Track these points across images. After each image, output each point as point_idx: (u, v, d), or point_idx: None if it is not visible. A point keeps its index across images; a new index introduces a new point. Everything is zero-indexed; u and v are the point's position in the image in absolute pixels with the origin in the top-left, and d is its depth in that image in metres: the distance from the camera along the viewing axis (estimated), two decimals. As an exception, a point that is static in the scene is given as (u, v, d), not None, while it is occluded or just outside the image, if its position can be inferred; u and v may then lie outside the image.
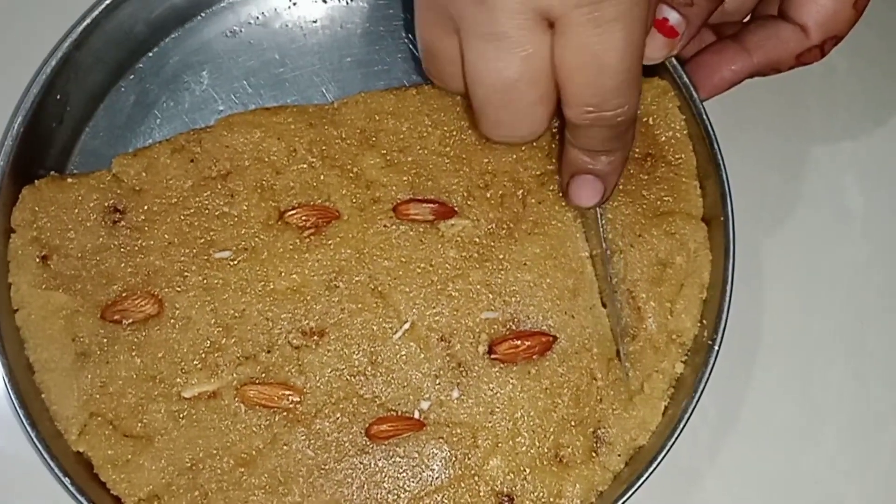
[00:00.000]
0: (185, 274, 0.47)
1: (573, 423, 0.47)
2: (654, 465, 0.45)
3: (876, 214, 0.57)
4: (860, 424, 0.54)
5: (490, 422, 0.46)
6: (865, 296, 0.56)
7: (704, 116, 0.49)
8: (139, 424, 0.46)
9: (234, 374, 0.46)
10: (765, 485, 0.53)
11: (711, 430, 0.53)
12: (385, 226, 0.48)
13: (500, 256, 0.48)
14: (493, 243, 0.48)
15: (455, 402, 0.47)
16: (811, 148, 0.56)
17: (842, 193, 0.57)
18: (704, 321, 0.48)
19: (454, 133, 0.49)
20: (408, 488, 0.46)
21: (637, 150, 0.50)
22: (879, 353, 0.55)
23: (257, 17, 0.54)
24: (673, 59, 0.48)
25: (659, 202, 0.49)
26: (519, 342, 0.47)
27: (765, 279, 0.55)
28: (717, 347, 0.46)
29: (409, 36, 0.54)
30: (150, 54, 0.53)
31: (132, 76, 0.53)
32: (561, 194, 0.48)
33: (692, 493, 0.53)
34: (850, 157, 0.57)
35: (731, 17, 0.50)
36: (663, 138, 0.50)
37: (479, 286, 0.47)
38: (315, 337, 0.47)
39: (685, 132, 0.50)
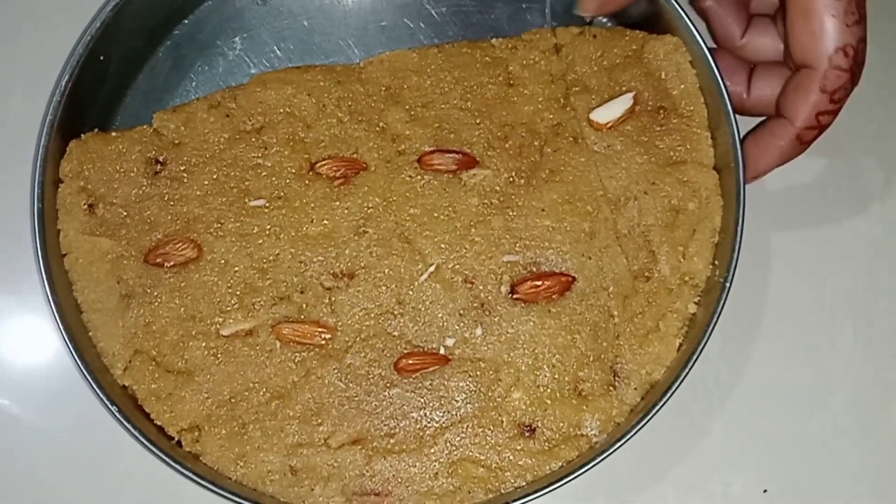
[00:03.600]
0: (222, 221, 0.50)
1: (592, 359, 0.50)
2: (667, 396, 0.48)
3: (893, 192, 0.58)
4: (867, 391, 0.56)
5: (512, 357, 0.49)
6: (878, 269, 0.57)
7: (715, 70, 0.51)
8: (181, 361, 0.49)
9: (270, 314, 0.50)
10: (770, 439, 0.55)
11: (722, 388, 0.55)
12: (410, 176, 0.51)
13: (520, 203, 0.51)
14: (512, 191, 0.51)
15: (479, 339, 0.50)
16: (835, 128, 0.57)
17: (861, 172, 0.58)
18: (716, 262, 0.51)
19: (474, 88, 0.52)
20: (434, 419, 0.49)
21: (650, 103, 0.53)
22: (889, 324, 0.57)
23: (287, -15, 0.57)
24: (685, 18, 0.51)
25: (672, 152, 0.52)
26: (539, 282, 0.50)
27: (776, 247, 0.57)
28: (728, 285, 0.49)
29: (431, 1, 0.57)
30: (186, 21, 0.56)
31: (169, 42, 0.56)
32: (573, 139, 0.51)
33: (699, 440, 0.55)
34: (871, 138, 0.59)
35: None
36: (676, 91, 0.53)
37: (500, 231, 0.51)
38: (345, 279, 0.50)
39: (697, 86, 0.53)
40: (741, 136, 0.51)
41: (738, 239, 0.49)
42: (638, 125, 0.52)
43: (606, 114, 0.52)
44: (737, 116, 0.51)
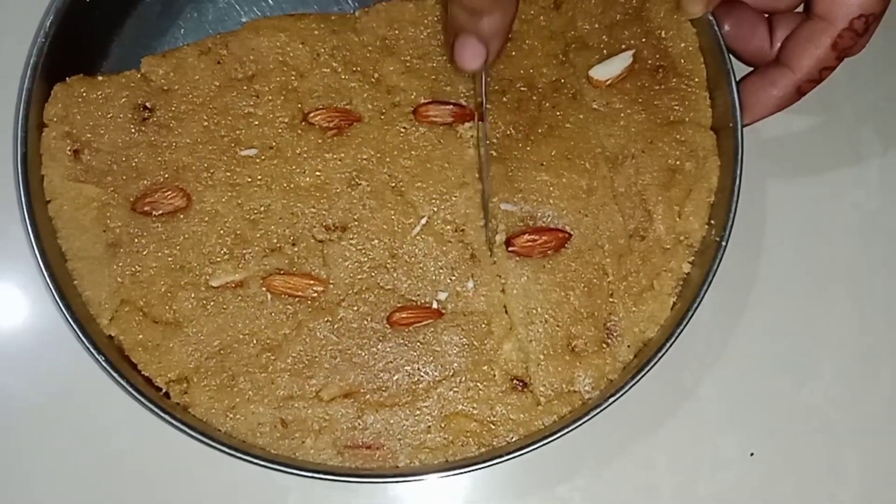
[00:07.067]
0: (213, 170, 0.51)
1: (585, 316, 0.51)
2: (661, 354, 0.49)
3: (891, 164, 0.59)
4: (858, 360, 0.57)
5: (504, 311, 0.50)
6: (873, 239, 0.58)
7: (716, 29, 0.52)
8: (169, 311, 0.49)
9: (261, 265, 0.50)
10: (759, 404, 0.57)
11: (712, 352, 0.57)
12: (404, 128, 0.52)
13: (518, 156, 0.51)
14: (509, 144, 0.52)
15: (470, 292, 0.50)
16: (834, 97, 0.58)
17: (859, 143, 0.59)
18: (712, 221, 0.52)
19: (472, 41, 0.53)
20: (426, 372, 0.50)
21: (649, 62, 0.53)
22: (882, 293, 0.58)
23: (280, -68, 0.57)
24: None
25: (670, 111, 0.53)
26: (536, 237, 0.50)
27: (771, 216, 0.58)
28: (724, 244, 0.50)
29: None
30: (175, -34, 0.56)
31: (157, -13, 0.56)
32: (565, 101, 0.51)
33: (688, 402, 0.56)
34: (870, 107, 0.59)
35: (780, 4, 0.53)
36: (676, 51, 0.53)
37: (498, 179, 0.51)
38: (338, 231, 0.51)
39: (697, 45, 0.53)
40: (739, 94, 0.51)
41: (735, 199, 0.50)
42: (637, 84, 0.53)
43: (605, 71, 0.53)
44: (736, 77, 0.52)
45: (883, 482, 0.57)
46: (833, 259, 0.58)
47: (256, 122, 0.51)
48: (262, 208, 0.50)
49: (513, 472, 0.54)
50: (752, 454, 0.56)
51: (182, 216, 0.50)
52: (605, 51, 0.53)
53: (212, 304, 0.49)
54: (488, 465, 0.48)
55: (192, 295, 0.49)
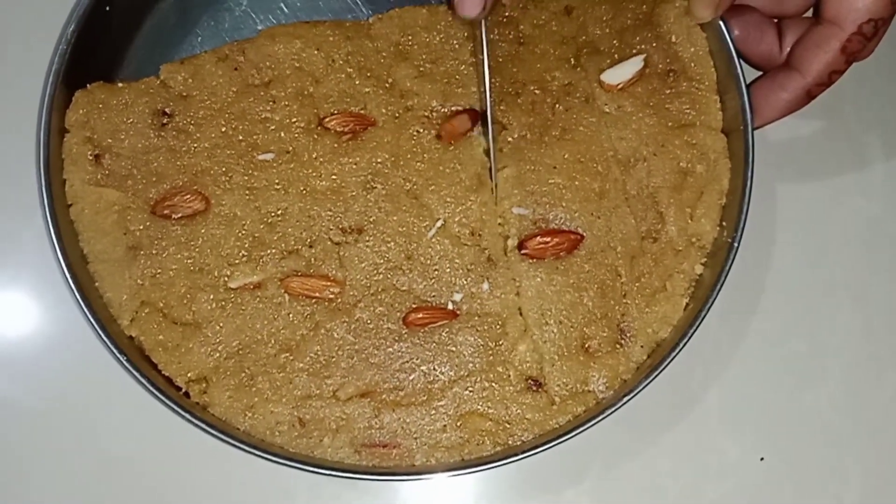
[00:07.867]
0: (231, 174, 0.52)
1: (599, 317, 0.51)
2: (674, 354, 0.50)
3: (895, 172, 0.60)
4: (862, 366, 0.58)
5: (519, 312, 0.51)
6: (877, 247, 0.59)
7: (725, 34, 0.53)
8: (188, 312, 0.50)
9: (278, 267, 0.51)
10: (765, 408, 0.57)
11: (720, 356, 0.57)
12: (418, 131, 0.53)
13: (532, 158, 0.52)
14: (524, 146, 0.53)
15: (485, 294, 0.51)
16: (840, 105, 0.59)
17: (863, 150, 0.60)
18: (724, 223, 0.52)
19: (485, 46, 0.54)
20: (442, 372, 0.51)
21: (660, 66, 0.54)
22: (886, 301, 0.59)
23: (295, -59, 0.58)
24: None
25: (681, 115, 0.54)
26: (548, 239, 0.51)
27: (778, 221, 0.59)
28: (736, 245, 0.51)
29: (441, -39, 0.58)
30: (193, -25, 0.58)
31: (174, -4, 0.57)
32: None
33: (696, 406, 0.57)
34: (876, 116, 0.60)
35: (788, 9, 0.54)
36: (686, 55, 0.54)
37: (511, 181, 0.52)
38: (354, 234, 0.52)
39: (706, 49, 0.54)
40: (749, 94, 0.52)
41: (747, 201, 0.51)
42: (648, 87, 0.54)
43: (617, 75, 0.54)
44: (746, 80, 0.53)
45: (887, 486, 0.57)
46: (839, 263, 0.59)
47: (273, 127, 0.52)
48: (280, 211, 0.52)
49: (520, 475, 0.55)
50: (762, 458, 0.57)
51: (201, 219, 0.51)
52: (616, 55, 0.54)
53: (230, 305, 0.50)
54: (503, 464, 0.49)
55: (211, 296, 0.50)
